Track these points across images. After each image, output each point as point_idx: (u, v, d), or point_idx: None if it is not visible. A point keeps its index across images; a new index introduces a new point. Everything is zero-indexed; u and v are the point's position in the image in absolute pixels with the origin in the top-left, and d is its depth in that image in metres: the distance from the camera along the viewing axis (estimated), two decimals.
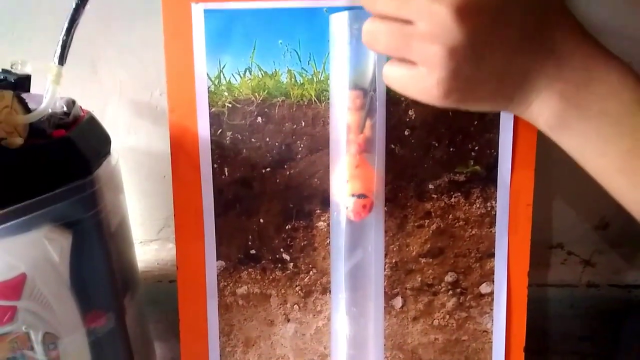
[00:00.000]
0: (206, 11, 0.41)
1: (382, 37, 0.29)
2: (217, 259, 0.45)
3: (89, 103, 0.42)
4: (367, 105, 0.37)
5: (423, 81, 0.29)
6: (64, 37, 0.34)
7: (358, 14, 0.36)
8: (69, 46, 0.34)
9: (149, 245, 0.53)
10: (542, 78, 0.30)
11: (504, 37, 0.28)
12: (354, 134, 0.38)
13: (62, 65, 0.35)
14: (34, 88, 0.37)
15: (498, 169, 0.43)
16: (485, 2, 0.27)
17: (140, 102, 0.46)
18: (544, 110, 0.30)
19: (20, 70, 0.36)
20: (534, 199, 0.44)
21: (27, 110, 0.35)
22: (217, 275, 0.45)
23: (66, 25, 0.34)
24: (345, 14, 0.36)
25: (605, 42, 0.32)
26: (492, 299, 0.45)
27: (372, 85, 0.37)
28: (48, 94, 0.34)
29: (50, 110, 0.35)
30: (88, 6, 0.35)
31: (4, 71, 0.38)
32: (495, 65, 0.29)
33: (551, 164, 0.45)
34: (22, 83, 0.36)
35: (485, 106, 0.32)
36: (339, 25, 0.37)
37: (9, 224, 0.33)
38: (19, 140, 0.33)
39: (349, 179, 0.39)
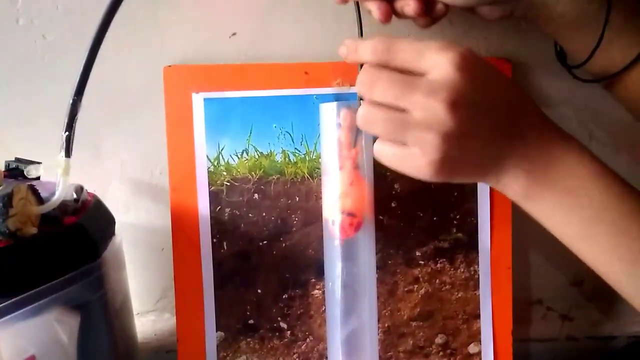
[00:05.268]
0: (206, 100, 0.44)
1: (379, 123, 0.33)
2: (217, 330, 0.46)
3: (91, 183, 0.44)
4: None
5: (416, 161, 0.33)
6: (67, 133, 0.36)
7: (345, 104, 0.41)
8: (73, 139, 0.36)
9: (146, 317, 0.54)
10: (511, 159, 0.34)
11: (483, 127, 0.33)
12: (347, 150, 0.41)
13: (69, 157, 0.37)
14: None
15: (478, 235, 0.46)
16: (470, 97, 0.32)
17: (140, 180, 0.49)
18: (513, 184, 0.35)
19: (34, 174, 0.38)
20: (512, 258, 0.47)
21: (41, 200, 0.37)
22: (217, 346, 0.46)
23: (66, 120, 0.36)
24: (333, 105, 0.40)
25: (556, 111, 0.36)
26: (481, 358, 0.48)
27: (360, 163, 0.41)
28: (60, 186, 0.36)
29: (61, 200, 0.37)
30: (92, 96, 0.37)
31: (17, 160, 0.40)
32: (475, 150, 0.33)
33: (527, 227, 0.48)
34: None
35: (465, 180, 0.36)
36: (328, 114, 0.41)
37: (22, 310, 0.34)
38: (32, 230, 0.35)
39: (341, 196, 0.42)
